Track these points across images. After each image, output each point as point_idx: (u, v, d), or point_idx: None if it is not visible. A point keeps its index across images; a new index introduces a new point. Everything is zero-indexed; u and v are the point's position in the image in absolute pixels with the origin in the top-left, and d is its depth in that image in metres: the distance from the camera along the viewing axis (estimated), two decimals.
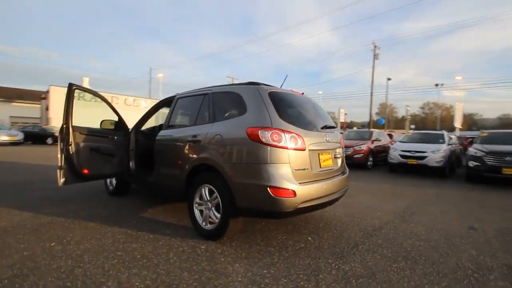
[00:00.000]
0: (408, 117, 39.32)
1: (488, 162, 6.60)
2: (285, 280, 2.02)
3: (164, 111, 4.08)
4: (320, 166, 2.69)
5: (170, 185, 3.24)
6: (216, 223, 2.62)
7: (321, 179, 2.65)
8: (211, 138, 2.69)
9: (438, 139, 8.85)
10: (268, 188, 2.27)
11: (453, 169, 8.99)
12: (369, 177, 7.49)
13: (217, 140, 2.63)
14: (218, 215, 2.61)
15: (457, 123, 20.42)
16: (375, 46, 27.01)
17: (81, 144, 3.34)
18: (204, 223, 2.76)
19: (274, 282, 1.98)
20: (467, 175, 7.24)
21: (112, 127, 3.87)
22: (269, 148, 2.33)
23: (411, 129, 27.45)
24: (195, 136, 2.88)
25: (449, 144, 8.63)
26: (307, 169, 2.51)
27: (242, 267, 2.19)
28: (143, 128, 4.30)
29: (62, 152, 3.19)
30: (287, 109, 2.63)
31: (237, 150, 2.47)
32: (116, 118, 3.97)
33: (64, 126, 3.19)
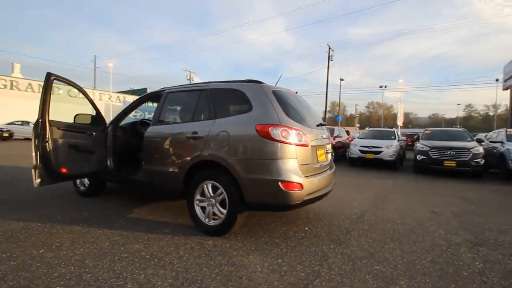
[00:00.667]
0: (357, 115, 42.82)
1: (432, 156, 7.66)
2: (300, 267, 2.16)
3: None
4: (317, 161, 2.89)
5: (164, 183, 3.14)
6: (222, 219, 2.65)
7: (318, 173, 2.85)
8: (215, 135, 2.69)
9: (390, 136, 9.92)
10: (280, 182, 2.39)
11: (401, 162, 10.18)
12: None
13: (223, 137, 2.64)
14: (224, 211, 2.64)
15: (399, 121, 22.95)
16: (329, 48, 28.70)
17: (59, 141, 3.03)
18: (207, 220, 2.76)
19: (292, 269, 2.12)
20: (415, 167, 8.29)
21: (88, 121, 3.56)
22: (279, 144, 2.43)
23: (359, 127, 30.00)
24: (195, 132, 2.83)
25: (398, 140, 9.75)
26: (310, 163, 2.69)
27: (256, 259, 2.27)
28: (122, 123, 4.03)
29: (37, 149, 2.86)
30: (290, 107, 2.76)
31: (246, 147, 2.53)
32: (93, 112, 3.67)
33: (40, 120, 2.85)
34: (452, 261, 2.37)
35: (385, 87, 38.37)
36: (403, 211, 3.89)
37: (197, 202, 2.83)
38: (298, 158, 2.53)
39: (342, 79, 32.92)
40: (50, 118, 2.93)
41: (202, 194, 2.80)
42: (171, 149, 3.05)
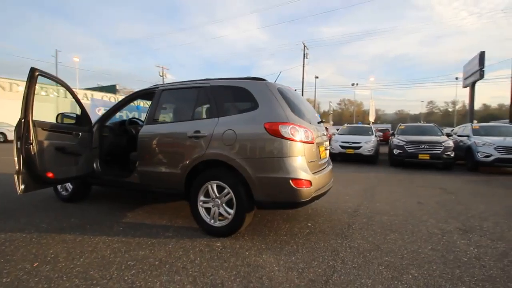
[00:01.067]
0: (331, 112, 44.14)
1: (408, 150, 8.12)
2: (315, 263, 2.18)
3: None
4: (320, 158, 2.93)
5: (162, 184, 2.99)
6: (230, 219, 2.59)
7: (321, 170, 2.89)
8: (220, 134, 2.61)
9: (368, 132, 10.37)
10: (290, 180, 2.38)
11: (377, 156, 10.70)
12: None
13: (229, 135, 2.57)
14: (231, 211, 2.58)
15: (371, 118, 24.11)
16: (304, 46, 29.25)
17: (44, 143, 2.77)
18: (212, 221, 2.68)
19: (308, 266, 2.13)
20: (392, 160, 8.74)
21: (72, 121, 3.30)
22: (288, 142, 2.42)
23: (333, 124, 30.99)
24: (197, 131, 2.73)
25: (375, 136, 10.23)
26: (315, 160, 2.72)
27: (270, 258, 2.25)
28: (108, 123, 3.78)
29: (19, 152, 2.58)
30: (293, 104, 2.75)
31: (255, 145, 2.49)
32: (78, 111, 3.40)
33: (23, 120, 2.58)
34: (450, 248, 2.52)
35: (357, 84, 39.97)
36: (393, 203, 4.08)
37: (201, 203, 2.74)
38: (306, 156, 2.54)
39: (317, 77, 33.76)
40: (33, 118, 2.66)
41: (206, 194, 2.72)
42: (170, 149, 2.92)
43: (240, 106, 2.79)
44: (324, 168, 2.99)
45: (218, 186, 2.65)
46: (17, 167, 2.57)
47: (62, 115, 3.30)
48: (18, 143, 2.58)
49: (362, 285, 1.89)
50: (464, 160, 8.25)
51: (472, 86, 19.59)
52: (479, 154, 7.40)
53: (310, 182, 2.47)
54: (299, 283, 1.90)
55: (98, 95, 25.00)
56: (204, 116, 2.86)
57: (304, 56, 29.15)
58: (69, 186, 3.73)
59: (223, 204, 2.63)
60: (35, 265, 2.07)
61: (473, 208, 3.89)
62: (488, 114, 55.45)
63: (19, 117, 2.59)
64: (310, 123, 2.88)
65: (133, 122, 4.13)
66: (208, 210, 2.72)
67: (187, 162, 2.76)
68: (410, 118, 68.82)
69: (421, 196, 4.58)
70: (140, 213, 3.36)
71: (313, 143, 2.68)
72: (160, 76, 38.81)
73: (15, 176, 2.56)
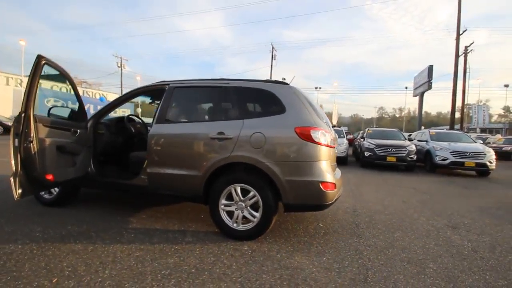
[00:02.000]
0: None
1: (377, 153, 8.82)
2: (347, 262, 2.29)
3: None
4: (335, 161, 3.06)
5: (178, 187, 2.84)
6: (255, 222, 2.57)
7: (336, 173, 3.03)
8: (248, 136, 2.58)
9: (340, 134, 10.98)
10: (320, 183, 2.46)
11: (347, 157, 11.41)
12: None
13: (258, 138, 2.55)
14: (257, 214, 2.57)
15: (334, 121, 25.56)
16: (273, 48, 29.78)
17: (46, 141, 2.44)
18: (235, 225, 2.63)
19: (342, 265, 2.22)
20: (362, 162, 9.39)
21: (65, 116, 2.96)
22: (318, 146, 2.50)
23: None
24: (221, 133, 2.65)
25: (346, 139, 10.90)
26: (334, 164, 2.84)
27: (302, 259, 2.30)
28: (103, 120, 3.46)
29: (17, 151, 2.25)
30: (315, 108, 2.84)
31: (285, 149, 2.51)
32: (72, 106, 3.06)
33: (23, 114, 2.25)
34: (449, 243, 2.84)
35: (320, 88, 41.95)
36: (381, 203, 4.42)
37: (223, 206, 2.67)
38: (330, 159, 2.64)
39: (284, 79, 34.54)
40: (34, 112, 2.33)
41: (229, 198, 2.66)
42: (188, 150, 2.79)
43: (265, 109, 2.78)
44: (336, 172, 3.14)
45: (242, 189, 2.62)
46: (13, 169, 2.23)
47: (55, 110, 2.93)
48: (16, 140, 2.23)
49: (397, 280, 2.04)
50: (423, 162, 9.23)
51: (421, 95, 21.96)
52: (437, 157, 8.36)
53: (334, 185, 2.57)
54: (342, 282, 1.98)
55: (46, 84, 22.28)
56: (227, 117, 2.79)
57: (272, 57, 29.68)
58: (54, 188, 3.32)
59: (248, 207, 2.60)
60: (54, 280, 1.83)
61: (449, 206, 4.40)
62: (429, 121, 62.69)
63: (19, 110, 2.24)
64: (329, 128, 2.99)
65: (130, 119, 3.82)
66: (230, 213, 2.67)
67: (209, 164, 2.67)
68: (364, 122, 74.52)
69: (401, 196, 5.03)
70: (144, 218, 3.14)
71: (334, 147, 2.79)
72: (118, 67, 36.22)
73: (12, 179, 2.22)
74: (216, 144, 2.67)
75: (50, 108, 2.87)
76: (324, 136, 2.56)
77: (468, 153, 8.04)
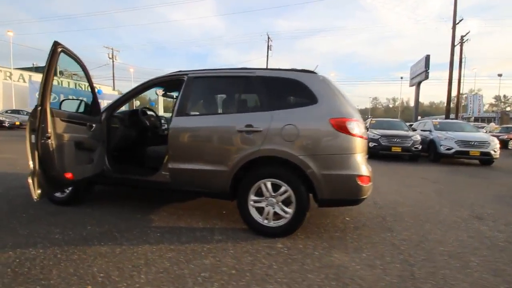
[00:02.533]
0: None
1: (382, 143, 8.79)
2: (388, 258, 2.21)
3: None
4: (366, 153, 2.95)
5: (201, 183, 2.71)
6: (288, 219, 2.46)
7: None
8: (279, 129, 2.44)
9: None
10: (357, 177, 2.35)
11: None
12: None
13: (290, 130, 2.41)
14: (289, 210, 2.46)
15: None
16: (268, 38, 29.33)
17: (64, 136, 2.26)
18: (265, 221, 2.52)
19: (384, 262, 2.14)
20: (368, 152, 9.35)
21: (81, 110, 2.77)
22: (354, 138, 2.38)
23: None
24: (250, 125, 2.51)
25: None
26: (366, 156, 2.73)
27: (343, 256, 2.21)
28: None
29: (34, 149, 2.06)
30: (347, 99, 2.71)
31: (320, 142, 2.38)
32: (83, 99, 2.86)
33: (39, 108, 2.06)
34: (481, 234, 2.80)
35: None
36: (399, 193, 4.37)
37: (252, 202, 2.55)
38: (364, 152, 2.54)
39: None
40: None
41: (258, 193, 2.54)
42: (213, 144, 2.64)
43: (295, 100, 2.64)
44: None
45: (273, 184, 2.49)
46: (32, 167, 2.05)
47: (67, 103, 2.73)
48: (33, 136, 2.04)
49: (445, 276, 1.97)
50: (426, 152, 9.25)
51: (418, 85, 22.02)
52: (442, 147, 8.37)
53: (369, 178, 2.48)
54: (390, 280, 1.90)
55: (37, 77, 21.36)
56: (254, 109, 2.64)
57: (268, 47, 29.27)
58: None
59: (280, 203, 2.49)
60: None
61: (465, 196, 4.38)
62: (422, 111, 63.27)
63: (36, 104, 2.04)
64: None
65: (144, 112, 3.62)
66: (260, 209, 2.55)
67: (237, 159, 2.53)
68: (360, 112, 74.64)
69: (415, 186, 5.00)
70: (165, 215, 3.00)
71: (366, 139, 2.68)
72: (109, 58, 35.25)
73: (30, 179, 2.04)
74: (244, 137, 2.52)
75: (62, 101, 2.66)
76: (359, 127, 2.44)
77: (473, 142, 8.07)
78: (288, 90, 2.67)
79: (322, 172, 2.36)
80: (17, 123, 17.46)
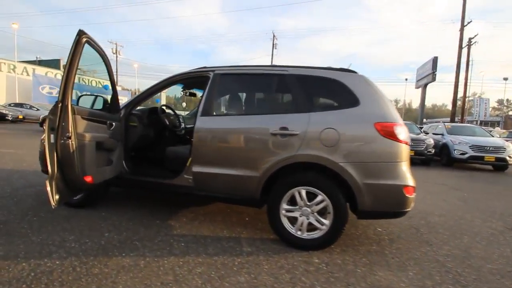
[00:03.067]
0: None
1: None
2: (438, 277, 2.01)
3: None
4: None
5: (228, 189, 2.51)
6: (324, 231, 2.26)
7: None
8: (317, 132, 2.24)
9: None
10: (403, 188, 2.16)
11: None
12: None
13: (330, 135, 2.21)
14: (326, 221, 2.26)
15: None
16: (274, 36, 29.05)
17: (86, 136, 2.05)
18: (299, 233, 2.33)
19: (433, 282, 1.95)
20: None
21: (100, 107, 2.57)
22: (401, 145, 2.18)
23: None
24: (285, 128, 2.31)
25: None
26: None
27: (388, 275, 2.02)
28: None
29: (52, 149, 1.86)
30: (389, 101, 2.50)
31: (363, 148, 2.18)
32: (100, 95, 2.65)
33: (60, 105, 1.85)
34: None
35: None
36: (425, 202, 4.17)
37: (284, 212, 2.36)
38: (409, 160, 2.34)
39: None
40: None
41: (292, 202, 2.35)
42: (243, 148, 2.44)
43: (335, 101, 2.43)
44: None
45: (309, 193, 2.30)
46: (50, 171, 1.84)
47: (85, 99, 2.52)
48: (52, 136, 1.84)
49: None
50: (439, 156, 9.06)
51: (424, 87, 21.78)
52: (455, 151, 8.18)
53: (414, 189, 2.28)
54: None
55: (41, 70, 21.09)
56: (288, 110, 2.44)
57: (273, 46, 28.99)
58: None
59: (315, 213, 2.29)
60: None
61: (492, 205, 4.19)
62: (425, 113, 63.18)
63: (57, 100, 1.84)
64: None
65: (163, 110, 3.41)
66: (293, 219, 2.36)
67: (269, 164, 2.33)
68: None
69: (437, 193, 4.81)
70: (185, 221, 2.81)
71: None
72: (113, 53, 34.96)
73: (48, 183, 1.84)
74: (278, 140, 2.32)
75: (80, 97, 2.46)
76: (405, 133, 2.24)
77: (488, 148, 7.88)
78: (326, 90, 2.46)
79: (365, 181, 2.16)
80: (20, 116, 17.22)
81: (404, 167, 2.21)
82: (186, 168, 2.63)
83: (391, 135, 2.15)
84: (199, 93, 3.96)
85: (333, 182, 2.24)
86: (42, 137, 3.04)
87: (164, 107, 3.47)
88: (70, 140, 1.89)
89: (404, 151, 2.21)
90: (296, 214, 2.34)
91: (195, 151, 2.55)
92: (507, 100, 55.38)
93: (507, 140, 15.54)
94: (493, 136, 8.87)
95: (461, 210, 3.82)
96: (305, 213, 2.31)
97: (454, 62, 20.62)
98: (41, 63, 26.22)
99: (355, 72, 2.47)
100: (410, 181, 2.20)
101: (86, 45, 2.01)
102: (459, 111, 22.77)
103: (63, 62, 30.40)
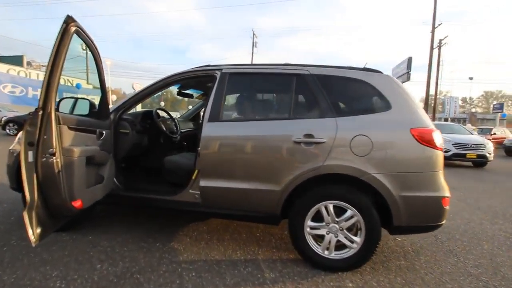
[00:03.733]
0: None
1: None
2: None
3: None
4: None
5: (243, 205, 2.20)
6: (355, 250, 2.03)
7: None
8: (348, 140, 1.99)
9: None
10: (442, 199, 1.97)
11: None
12: None
13: (362, 143, 1.97)
14: (357, 239, 2.02)
15: None
16: (254, 34, 28.78)
17: (74, 151, 1.64)
18: (326, 252, 2.07)
19: None
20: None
21: (84, 111, 2.14)
22: (439, 152, 1.99)
23: None
24: (309, 135, 2.03)
25: None
26: None
27: None
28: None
29: (32, 171, 1.45)
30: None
31: (399, 156, 1.96)
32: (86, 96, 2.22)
33: (40, 113, 1.44)
34: None
35: None
36: None
37: (309, 229, 2.09)
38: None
39: None
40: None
41: (317, 218, 2.08)
42: (261, 158, 2.13)
43: (363, 105, 2.20)
44: None
45: (336, 207, 2.05)
46: (28, 198, 1.42)
47: (66, 102, 2.07)
48: (30, 153, 1.42)
49: None
50: None
51: None
52: None
53: (448, 199, 2.11)
54: None
55: (2, 67, 19.12)
56: (310, 114, 2.17)
57: (253, 44, 28.71)
58: None
59: (345, 231, 2.05)
60: None
61: (491, 205, 4.22)
62: None
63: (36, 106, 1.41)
64: None
65: (157, 114, 2.99)
66: (319, 238, 2.11)
67: (292, 176, 2.05)
68: None
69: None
70: (189, 241, 2.45)
71: None
72: (83, 49, 32.73)
73: (26, 214, 1.42)
74: (302, 150, 2.04)
75: (60, 101, 2.01)
76: (441, 139, 2.05)
77: (470, 145, 8.18)
78: (352, 92, 2.22)
79: (402, 193, 1.95)
80: None
81: (442, 176, 2.03)
82: (191, 182, 2.27)
83: (429, 142, 1.95)
84: (195, 94, 3.58)
85: (366, 195, 2.00)
86: (11, 147, 2.53)
87: (158, 111, 3.06)
88: (54, 158, 1.48)
89: (441, 159, 2.02)
90: (322, 231, 2.08)
91: (203, 162, 2.21)
92: (470, 98, 59.53)
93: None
94: (472, 134, 9.25)
95: (465, 212, 3.78)
96: (333, 230, 2.06)
97: (426, 62, 21.68)
98: (1, 59, 23.83)
99: (381, 72, 2.26)
100: (447, 191, 2.03)
101: (76, 35, 1.59)
102: (430, 109, 23.94)
103: (27, 58, 27.99)
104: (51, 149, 1.47)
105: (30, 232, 1.42)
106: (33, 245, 1.46)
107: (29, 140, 1.42)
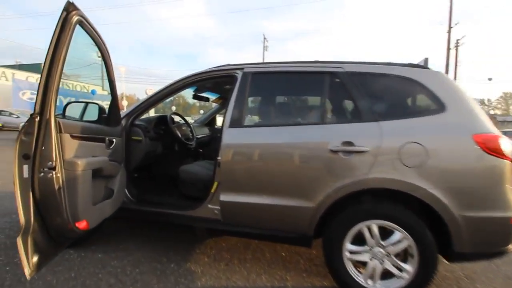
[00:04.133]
0: None
1: None
2: None
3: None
4: None
5: (269, 223, 1.92)
6: (405, 280, 1.69)
7: None
8: (396, 148, 1.67)
9: None
10: (510, 220, 1.62)
11: None
12: None
13: (413, 151, 1.65)
14: (408, 267, 1.69)
15: None
16: (264, 38, 28.73)
17: (78, 164, 1.40)
18: (370, 282, 1.75)
19: None
20: None
21: (93, 117, 1.92)
22: (508, 163, 1.64)
23: None
24: (349, 143, 1.73)
25: None
26: None
27: None
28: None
29: (25, 188, 1.22)
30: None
31: (460, 168, 1.63)
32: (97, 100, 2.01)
33: (37, 119, 1.22)
34: None
35: None
36: None
37: (348, 254, 1.78)
38: None
39: None
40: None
41: (358, 241, 1.77)
42: (291, 169, 1.85)
43: (411, 106, 1.89)
44: None
45: (380, 228, 1.73)
46: (22, 221, 1.19)
47: (72, 107, 1.86)
48: (26, 167, 1.19)
49: None
50: None
51: None
52: None
53: None
54: None
55: (21, 75, 19.71)
56: (348, 118, 1.88)
57: (264, 48, 28.63)
58: None
59: (392, 256, 1.72)
60: None
61: None
62: None
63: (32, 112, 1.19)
64: None
65: (172, 120, 2.76)
66: (360, 264, 1.79)
67: (329, 191, 1.75)
68: None
69: None
70: (207, 261, 2.18)
71: None
72: (98, 57, 33.58)
73: (21, 241, 1.18)
74: (341, 160, 1.74)
75: (66, 105, 1.80)
76: (510, 147, 1.71)
77: None
78: (397, 91, 1.90)
79: (464, 212, 1.61)
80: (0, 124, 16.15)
81: (510, 192, 1.68)
82: (210, 196, 2.01)
83: (497, 151, 1.61)
84: (212, 97, 3.34)
85: (419, 214, 1.68)
86: None
87: (173, 116, 2.82)
88: (54, 172, 1.25)
89: (509, 171, 1.68)
90: (365, 257, 1.76)
91: (224, 174, 1.94)
92: (488, 100, 57.07)
93: None
94: None
95: None
96: (378, 255, 1.74)
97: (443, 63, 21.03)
98: (21, 67, 24.68)
99: (429, 69, 1.93)
100: None
101: (79, 26, 1.37)
102: None
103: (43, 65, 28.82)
104: (50, 162, 1.24)
105: (25, 261, 1.19)
106: (28, 277, 1.22)
107: (24, 152, 1.19)
